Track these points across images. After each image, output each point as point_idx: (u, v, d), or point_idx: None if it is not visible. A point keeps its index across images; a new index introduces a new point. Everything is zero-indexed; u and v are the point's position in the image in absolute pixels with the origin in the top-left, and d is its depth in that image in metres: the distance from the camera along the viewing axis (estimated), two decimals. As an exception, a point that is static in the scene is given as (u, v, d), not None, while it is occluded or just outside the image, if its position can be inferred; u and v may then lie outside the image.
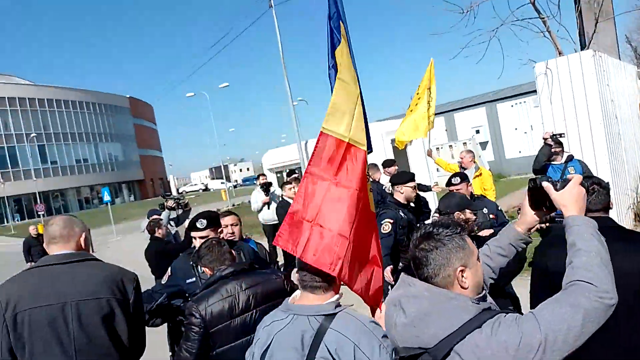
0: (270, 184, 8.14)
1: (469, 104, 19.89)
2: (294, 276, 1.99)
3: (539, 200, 1.66)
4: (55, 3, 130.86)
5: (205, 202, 39.88)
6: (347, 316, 1.80)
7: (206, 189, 67.98)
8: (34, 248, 10.76)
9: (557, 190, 1.56)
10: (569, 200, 1.52)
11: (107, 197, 22.38)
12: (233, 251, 2.74)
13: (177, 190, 67.69)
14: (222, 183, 60.62)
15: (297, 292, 1.95)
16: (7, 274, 2.55)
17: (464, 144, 17.26)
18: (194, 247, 3.37)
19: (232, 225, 3.74)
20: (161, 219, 6.26)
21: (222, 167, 39.48)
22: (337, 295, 1.89)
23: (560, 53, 6.75)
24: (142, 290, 3.49)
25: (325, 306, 1.81)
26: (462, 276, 1.44)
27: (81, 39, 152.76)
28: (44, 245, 2.31)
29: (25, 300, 2.06)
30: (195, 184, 78.46)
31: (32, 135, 47.18)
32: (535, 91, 18.08)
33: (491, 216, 4.42)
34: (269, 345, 1.88)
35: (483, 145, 18.60)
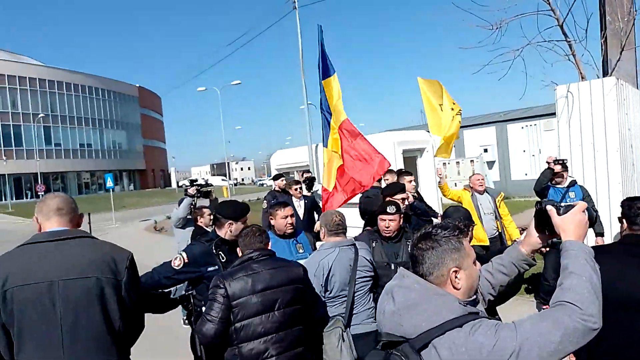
0: (313, 179, 7.62)
1: (480, 122, 19.95)
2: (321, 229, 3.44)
3: (543, 223, 1.71)
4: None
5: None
6: (358, 242, 3.47)
7: (206, 184, 67.92)
8: None
9: (559, 214, 1.61)
10: (569, 225, 1.57)
11: (109, 184, 22.38)
12: (266, 242, 2.93)
13: (177, 183, 67.68)
14: (222, 180, 60.68)
15: (321, 243, 3.46)
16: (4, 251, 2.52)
17: (472, 161, 17.28)
18: (217, 235, 3.38)
19: (290, 216, 3.85)
20: (206, 207, 6.00)
21: (228, 164, 39.46)
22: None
23: (583, 78, 6.76)
24: (144, 272, 3.41)
25: (351, 240, 3.42)
26: (456, 277, 1.49)
27: (97, 25, 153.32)
28: (39, 219, 2.21)
29: (15, 277, 1.98)
30: (196, 179, 78.48)
31: (39, 115, 47.23)
32: (546, 115, 17.97)
33: None
34: (330, 268, 3.18)
35: (490, 164, 18.61)
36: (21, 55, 56.43)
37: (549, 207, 1.64)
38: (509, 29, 5.97)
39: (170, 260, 3.25)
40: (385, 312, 1.54)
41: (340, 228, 3.32)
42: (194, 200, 6.06)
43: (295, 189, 7.15)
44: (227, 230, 3.33)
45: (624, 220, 2.51)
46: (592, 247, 2.46)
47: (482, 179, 6.42)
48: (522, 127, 18.55)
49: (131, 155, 64.15)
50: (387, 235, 3.72)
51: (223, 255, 3.23)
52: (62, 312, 2.00)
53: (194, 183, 6.05)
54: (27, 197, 47.39)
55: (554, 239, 2.08)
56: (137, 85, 67.51)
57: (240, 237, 2.91)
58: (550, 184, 5.81)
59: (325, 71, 5.10)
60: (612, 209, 6.53)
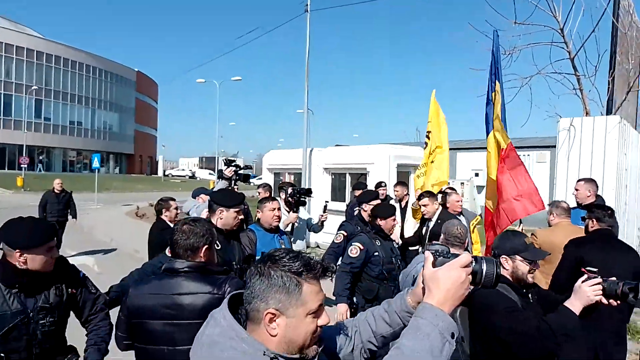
0: (308, 191, 5.69)
1: (473, 146, 20.05)
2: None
3: None
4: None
5: (191, 190, 39.45)
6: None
7: (193, 177, 67.43)
8: (50, 204, 9.92)
9: (434, 265, 1.24)
10: (437, 283, 1.20)
11: (96, 164, 21.99)
12: (211, 247, 2.35)
13: (164, 172, 67.03)
14: (210, 174, 60.24)
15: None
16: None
17: (462, 184, 17.36)
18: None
19: (277, 209, 3.88)
20: (173, 199, 5.41)
21: (217, 159, 39.16)
22: None
23: (587, 113, 6.79)
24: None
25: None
26: (270, 322, 1.17)
27: (104, 4, 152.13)
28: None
29: None
30: (183, 170, 77.78)
31: (32, 87, 46.45)
32: (540, 147, 18.14)
33: None
34: (415, 278, 3.03)
35: (479, 189, 18.70)
36: (21, 24, 55.64)
37: (427, 253, 1.27)
38: (520, 56, 5.95)
39: (164, 253, 2.94)
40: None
41: (457, 241, 3.27)
42: (230, 185, 4.82)
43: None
44: (217, 218, 3.21)
45: (593, 220, 3.70)
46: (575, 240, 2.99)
47: (460, 200, 6.01)
48: (515, 156, 18.67)
49: (121, 139, 63.36)
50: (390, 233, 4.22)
51: (217, 243, 3.01)
52: None
53: (232, 164, 4.84)
54: (8, 168, 46.43)
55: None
56: (136, 69, 66.91)
57: (173, 233, 2.34)
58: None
59: (498, 76, 5.03)
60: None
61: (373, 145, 10.94)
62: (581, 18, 5.90)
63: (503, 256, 2.51)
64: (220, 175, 4.78)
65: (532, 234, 4.50)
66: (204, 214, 4.82)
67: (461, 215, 5.91)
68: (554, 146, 18.71)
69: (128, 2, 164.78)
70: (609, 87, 6.63)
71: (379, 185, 7.31)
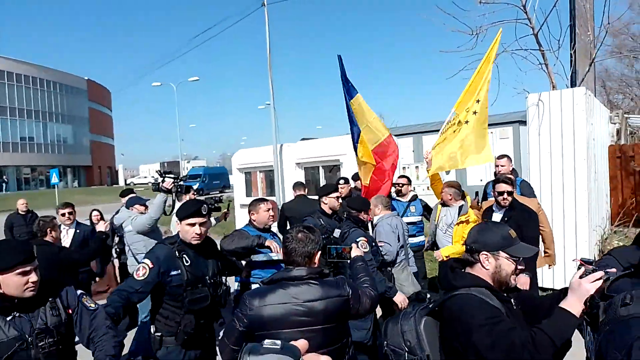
0: (219, 201, 5.39)
1: (438, 128, 20.27)
2: None
3: None
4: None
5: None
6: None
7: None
8: (17, 227, 9.01)
9: None
10: None
11: (55, 179, 21.13)
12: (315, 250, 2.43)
13: (125, 181, 65.06)
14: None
15: (381, 215, 4.73)
16: None
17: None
18: (175, 234, 3.15)
19: (272, 209, 3.94)
20: (54, 218, 4.68)
21: (181, 162, 38.37)
22: None
23: (554, 87, 6.92)
24: (115, 291, 2.92)
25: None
26: None
27: (48, 14, 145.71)
28: None
29: None
30: (145, 177, 75.70)
31: (-25, 105, 44.08)
32: (502, 123, 18.52)
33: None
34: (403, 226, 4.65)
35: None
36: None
37: None
38: (486, 36, 6.01)
39: (132, 275, 2.93)
40: None
41: (389, 204, 4.82)
42: (168, 197, 4.50)
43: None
44: (179, 231, 3.08)
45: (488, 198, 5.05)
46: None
47: (448, 192, 5.16)
48: (479, 135, 18.98)
49: (77, 150, 61.00)
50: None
51: (187, 258, 2.97)
52: None
53: (167, 175, 4.46)
54: (-41, 192, 44.07)
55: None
56: (86, 78, 64.43)
57: (285, 241, 2.43)
58: (395, 196, 6.14)
59: (350, 92, 5.63)
60: (578, 217, 6.72)
61: (344, 136, 10.86)
62: (542, -7, 6.01)
63: (483, 253, 2.02)
64: (158, 188, 4.47)
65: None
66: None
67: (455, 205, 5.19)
68: (517, 122, 18.92)
69: (68, 8, 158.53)
70: (571, 60, 6.77)
71: (345, 181, 6.84)
